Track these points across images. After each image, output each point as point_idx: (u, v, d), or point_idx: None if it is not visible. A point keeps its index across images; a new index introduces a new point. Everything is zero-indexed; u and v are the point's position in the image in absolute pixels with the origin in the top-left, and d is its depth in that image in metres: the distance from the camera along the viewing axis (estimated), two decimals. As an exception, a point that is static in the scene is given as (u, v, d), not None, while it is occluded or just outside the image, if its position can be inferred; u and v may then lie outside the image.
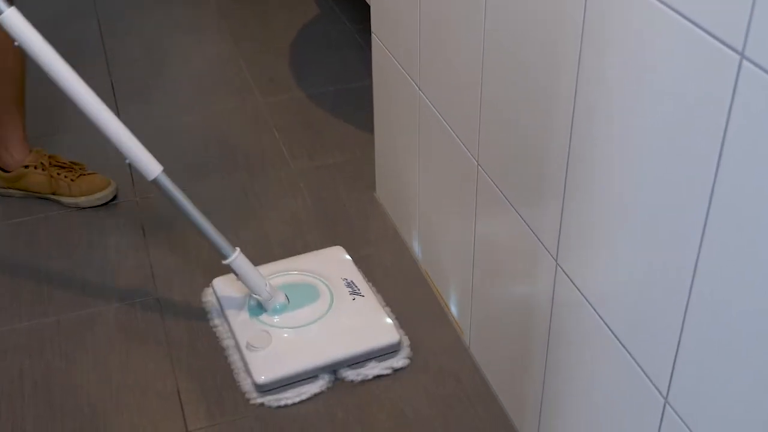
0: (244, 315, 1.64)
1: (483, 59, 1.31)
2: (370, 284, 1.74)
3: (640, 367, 1.05)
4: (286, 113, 2.35)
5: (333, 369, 1.57)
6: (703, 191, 0.88)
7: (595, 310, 1.13)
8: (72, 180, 2.00)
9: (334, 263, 1.75)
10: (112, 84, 2.50)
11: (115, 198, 2.04)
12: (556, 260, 1.22)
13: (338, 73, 2.51)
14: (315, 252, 1.81)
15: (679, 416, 0.99)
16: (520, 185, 1.29)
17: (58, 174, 2.01)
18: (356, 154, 2.18)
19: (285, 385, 1.55)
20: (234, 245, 1.90)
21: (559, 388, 1.29)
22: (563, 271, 1.20)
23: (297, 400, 1.54)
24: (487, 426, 1.50)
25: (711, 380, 0.93)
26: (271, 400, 1.53)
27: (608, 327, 1.10)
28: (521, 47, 1.19)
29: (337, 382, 1.57)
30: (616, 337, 1.09)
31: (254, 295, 1.62)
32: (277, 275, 1.71)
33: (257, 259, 1.85)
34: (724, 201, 0.85)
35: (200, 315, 1.73)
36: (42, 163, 2.02)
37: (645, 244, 0.99)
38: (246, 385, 1.56)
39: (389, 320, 1.62)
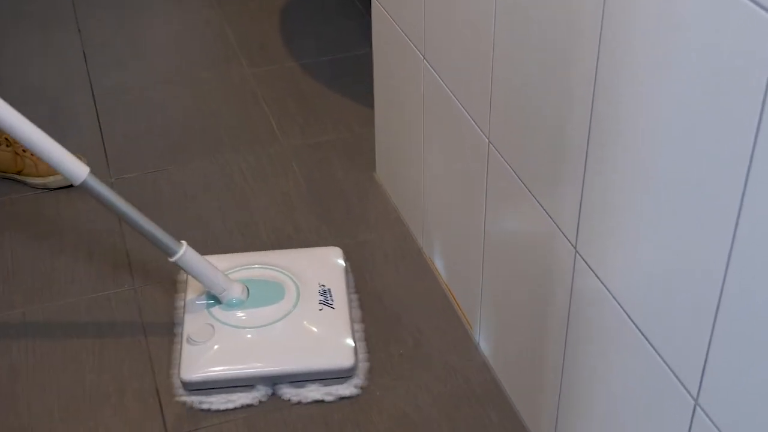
0: (200, 303, 1.64)
1: (495, 23, 1.31)
2: (354, 297, 1.72)
3: (667, 365, 1.05)
4: (277, 85, 2.34)
5: (274, 382, 1.56)
6: (739, 171, 0.87)
7: (618, 302, 1.13)
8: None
9: (319, 265, 1.73)
10: (83, 53, 2.49)
11: (87, 179, 2.04)
12: (575, 247, 1.21)
13: (334, 41, 2.50)
14: (307, 249, 1.79)
15: (710, 419, 0.99)
16: (536, 164, 1.28)
17: (24, 151, 2.00)
18: (354, 131, 2.17)
19: (215, 388, 1.54)
20: (220, 231, 1.90)
21: (578, 388, 1.29)
22: (583, 259, 1.19)
23: (223, 407, 1.53)
24: (497, 429, 1.50)
25: (746, 380, 0.92)
26: (195, 401, 1.54)
27: (632, 321, 1.10)
28: (537, 8, 1.19)
29: (274, 397, 1.56)
30: (641, 332, 1.08)
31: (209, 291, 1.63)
32: (245, 267, 1.70)
33: (243, 247, 1.85)
34: (762, 182, 0.85)
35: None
36: (6, 139, 2.01)
37: (674, 229, 0.99)
38: (177, 379, 1.57)
39: (350, 341, 1.59)
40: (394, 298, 1.74)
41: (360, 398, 1.55)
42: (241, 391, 1.55)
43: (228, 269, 1.66)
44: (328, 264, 1.74)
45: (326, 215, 1.93)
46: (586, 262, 1.19)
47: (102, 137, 2.17)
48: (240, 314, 1.61)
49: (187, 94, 2.33)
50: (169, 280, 1.78)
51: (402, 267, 1.81)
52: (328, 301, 1.64)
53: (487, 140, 1.42)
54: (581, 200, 1.17)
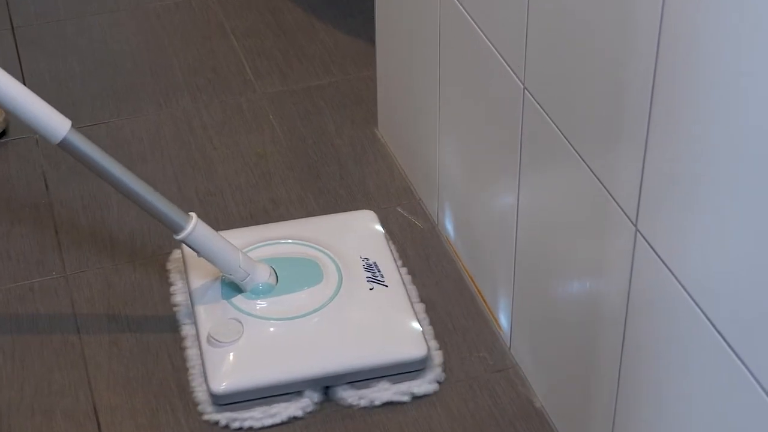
0: (215, 294, 1.65)
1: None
2: (405, 270, 1.74)
3: (758, 382, 1.04)
4: (250, 13, 2.34)
5: (325, 384, 1.58)
6: None
7: (690, 296, 1.12)
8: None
9: (354, 234, 1.76)
10: (1, -29, 2.47)
11: (4, 133, 2.04)
12: (635, 225, 1.21)
13: (324, -43, 2.49)
14: (334, 215, 1.82)
15: (812, 451, 0.98)
16: (584, 115, 1.28)
17: None
18: (350, 73, 2.17)
19: (253, 399, 1.56)
20: (174, 202, 1.89)
21: (638, 409, 1.29)
22: (645, 240, 1.19)
23: (264, 423, 1.54)
24: (534, 461, 1.51)
25: None
26: (229, 418, 1.55)
27: (710, 322, 1.10)
28: None
29: (328, 404, 1.57)
30: (724, 340, 1.08)
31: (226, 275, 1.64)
32: (267, 243, 1.72)
33: (207, 223, 1.83)
34: None
35: (126, 301, 1.73)
36: None
37: (764, 205, 0.97)
38: (200, 393, 1.58)
39: (417, 325, 1.62)
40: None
41: (358, 423, 1.55)
42: (285, 401, 1.56)
43: (244, 247, 1.68)
44: (363, 231, 1.78)
45: (314, 183, 1.93)
46: (649, 244, 1.18)
47: (23, 79, 2.16)
48: (270, 303, 1.63)
49: (133, 26, 2.32)
50: (111, 264, 1.79)
51: (412, 250, 1.81)
52: (378, 278, 1.68)
53: (521, 86, 1.41)
54: (644, 163, 1.16)
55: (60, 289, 1.75)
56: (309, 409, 1.56)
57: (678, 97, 1.08)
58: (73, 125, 1.47)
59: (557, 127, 1.34)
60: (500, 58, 1.46)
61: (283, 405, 1.55)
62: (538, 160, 1.42)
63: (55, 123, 1.46)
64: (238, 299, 1.63)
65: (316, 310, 1.62)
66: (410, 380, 1.58)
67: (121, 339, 1.67)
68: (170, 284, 1.74)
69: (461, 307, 1.71)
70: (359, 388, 1.57)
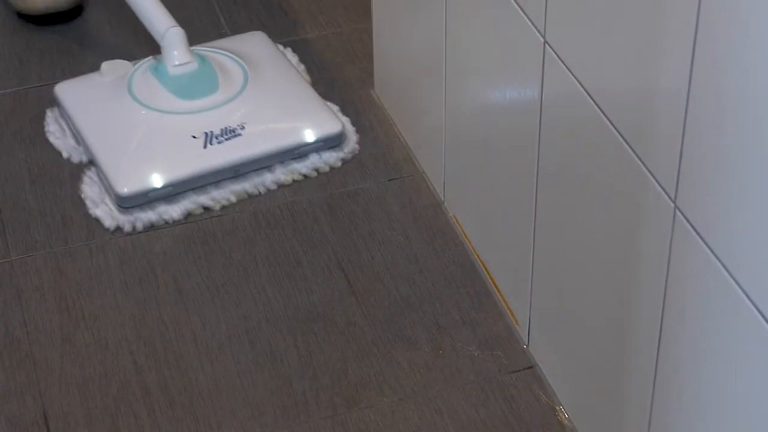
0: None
1: None
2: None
3: None
4: (225, -45, 2.33)
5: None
6: None
7: (739, 285, 1.12)
8: None
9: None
10: None
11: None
12: (674, 202, 1.21)
13: None
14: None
15: None
16: (615, 75, 1.28)
17: None
18: (341, 27, 2.18)
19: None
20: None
21: (676, 411, 1.29)
22: (686, 219, 1.19)
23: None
24: (555, 476, 1.52)
25: None
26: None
27: (762, 315, 1.09)
28: None
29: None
30: (773, 329, 1.08)
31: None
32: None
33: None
34: None
35: (80, 290, 1.74)
36: None
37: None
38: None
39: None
40: (402, 277, 1.75)
41: (343, 419, 1.55)
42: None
43: None
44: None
45: (299, 152, 1.93)
46: (691, 225, 1.18)
47: (-38, 33, 2.15)
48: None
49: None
50: (63, 247, 1.79)
51: (413, 230, 1.82)
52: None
53: (542, 39, 1.42)
54: (684, 131, 1.16)
55: (3, 276, 1.76)
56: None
57: (722, 61, 1.08)
58: None
59: (581, 84, 1.34)
60: (516, 5, 1.46)
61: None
62: (561, 124, 1.42)
63: None
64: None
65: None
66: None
67: (75, 334, 1.67)
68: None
69: (471, 297, 1.71)
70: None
